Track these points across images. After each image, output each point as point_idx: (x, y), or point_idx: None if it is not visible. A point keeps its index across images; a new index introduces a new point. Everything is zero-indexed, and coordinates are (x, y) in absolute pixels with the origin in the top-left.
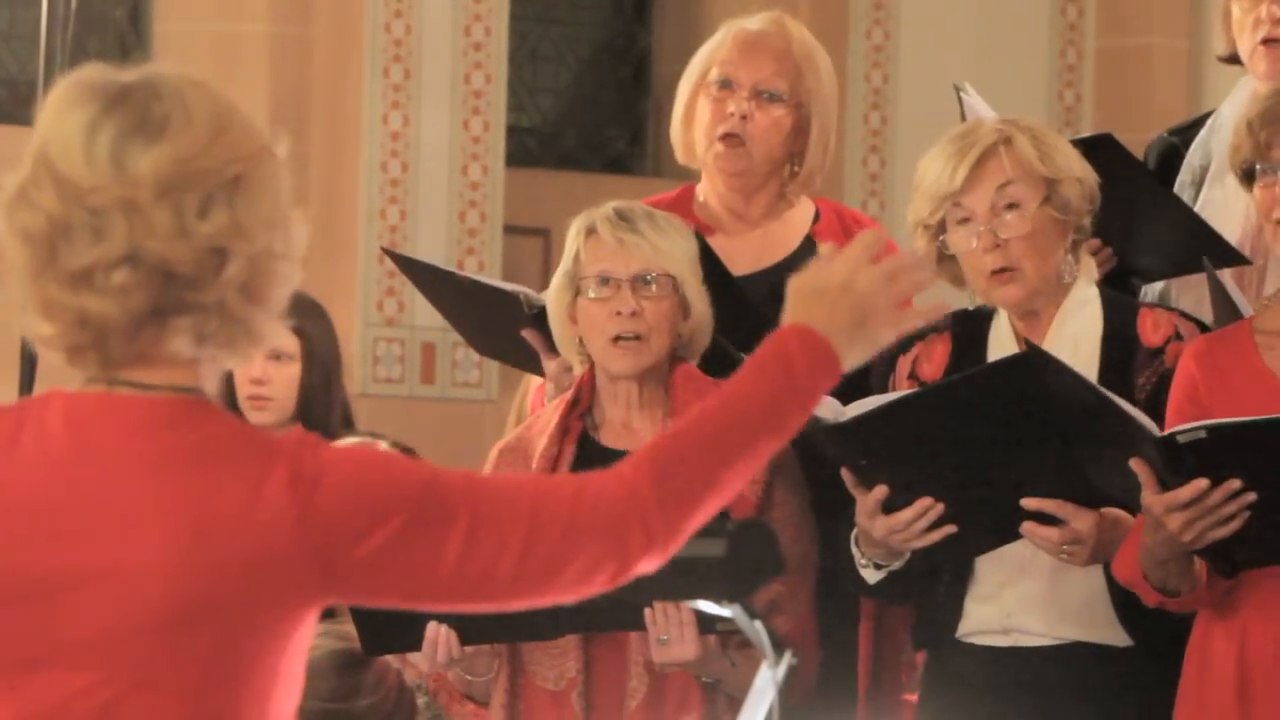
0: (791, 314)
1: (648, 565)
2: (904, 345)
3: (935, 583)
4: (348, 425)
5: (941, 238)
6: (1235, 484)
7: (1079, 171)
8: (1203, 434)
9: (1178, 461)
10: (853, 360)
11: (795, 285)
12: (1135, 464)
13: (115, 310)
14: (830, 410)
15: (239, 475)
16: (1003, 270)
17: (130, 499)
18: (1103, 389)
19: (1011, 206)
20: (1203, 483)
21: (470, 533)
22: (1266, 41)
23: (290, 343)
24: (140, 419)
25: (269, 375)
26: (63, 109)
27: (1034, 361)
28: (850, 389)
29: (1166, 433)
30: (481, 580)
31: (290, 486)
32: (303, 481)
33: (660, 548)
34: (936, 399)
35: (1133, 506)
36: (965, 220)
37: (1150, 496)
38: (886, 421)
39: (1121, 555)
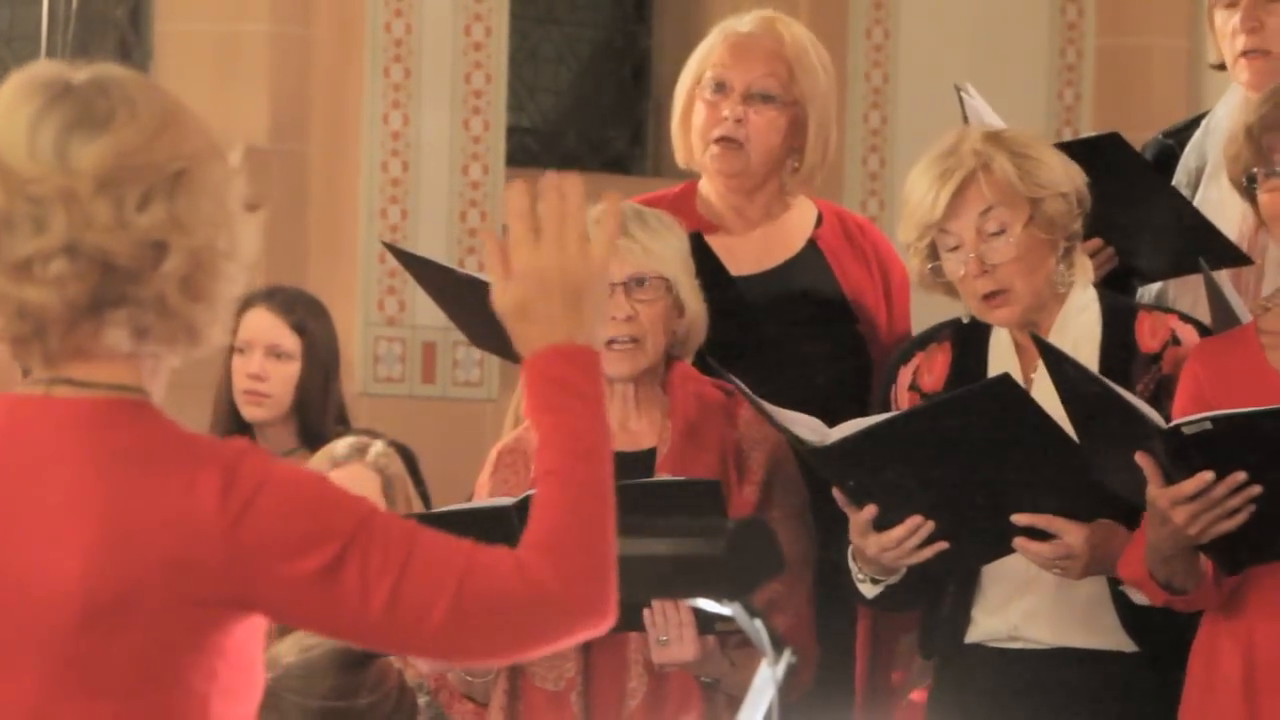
0: (521, 342)
1: (590, 632)
2: (905, 356)
3: (935, 594)
4: (342, 423)
5: (935, 263)
6: (1241, 476)
7: (1063, 184)
8: (1208, 425)
9: (1183, 454)
10: (593, 333)
11: (500, 310)
12: (1140, 458)
13: (53, 300)
14: (816, 433)
15: (168, 479)
16: (994, 294)
17: (56, 499)
18: (1109, 382)
19: (996, 233)
20: (1208, 475)
21: (400, 580)
22: (1245, 53)
23: (291, 341)
24: (74, 419)
25: (267, 372)
26: (11, 103)
27: (1010, 385)
28: (848, 404)
29: (1172, 424)
30: (406, 630)
31: (222, 495)
32: (237, 492)
33: (597, 613)
34: (918, 421)
35: (1141, 503)
36: (954, 248)
37: (1155, 490)
38: (871, 444)
39: (1128, 555)
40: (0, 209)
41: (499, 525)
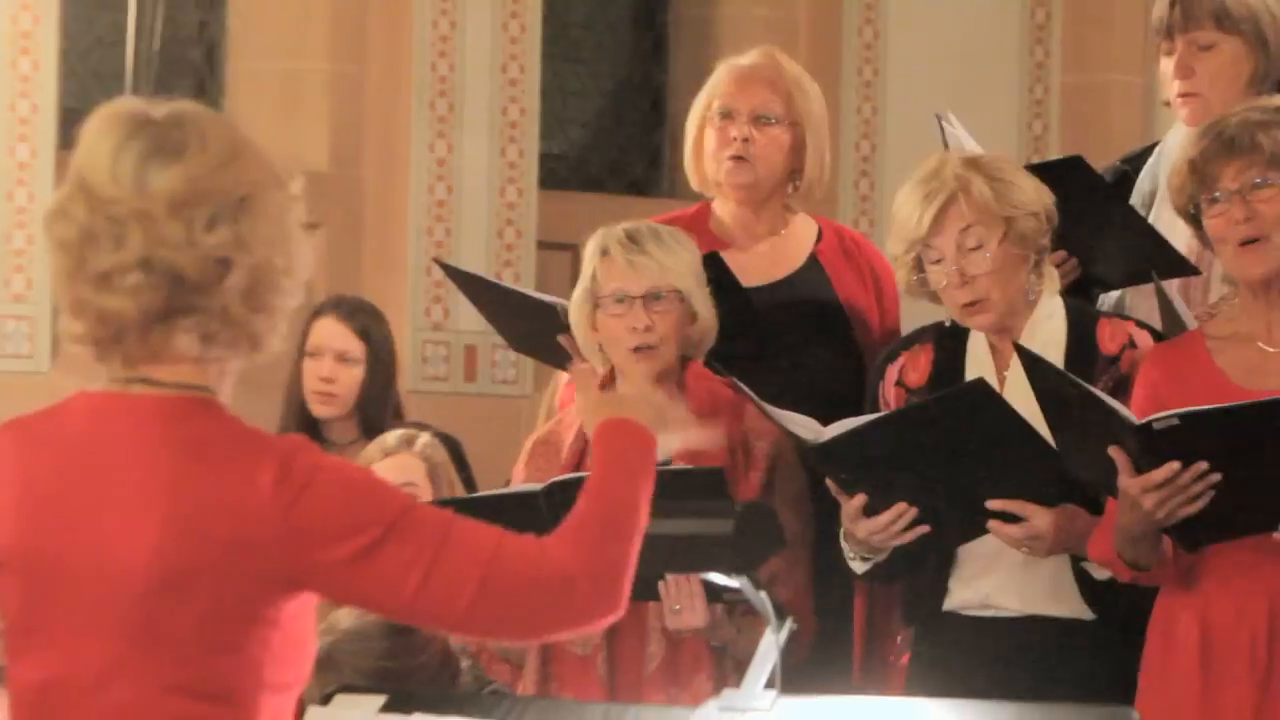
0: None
1: (601, 620)
2: (891, 355)
3: (918, 567)
4: (398, 417)
5: (921, 274)
6: (1203, 466)
7: (1034, 205)
8: (1176, 421)
9: (1152, 447)
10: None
11: (599, 401)
12: (1113, 451)
13: (130, 308)
14: (810, 431)
15: (230, 468)
16: (973, 303)
17: (130, 484)
18: (1087, 384)
19: (975, 248)
20: (1175, 465)
21: (431, 569)
22: (1181, 95)
23: (357, 347)
24: (148, 413)
25: (336, 375)
26: (97, 134)
27: (984, 388)
28: (844, 402)
29: (1143, 421)
30: (438, 610)
31: (277, 485)
32: (290, 483)
33: (610, 602)
34: (901, 421)
35: (1110, 490)
36: (937, 261)
37: (1126, 479)
38: (859, 441)
39: (1097, 538)
40: (84, 227)
41: (528, 508)
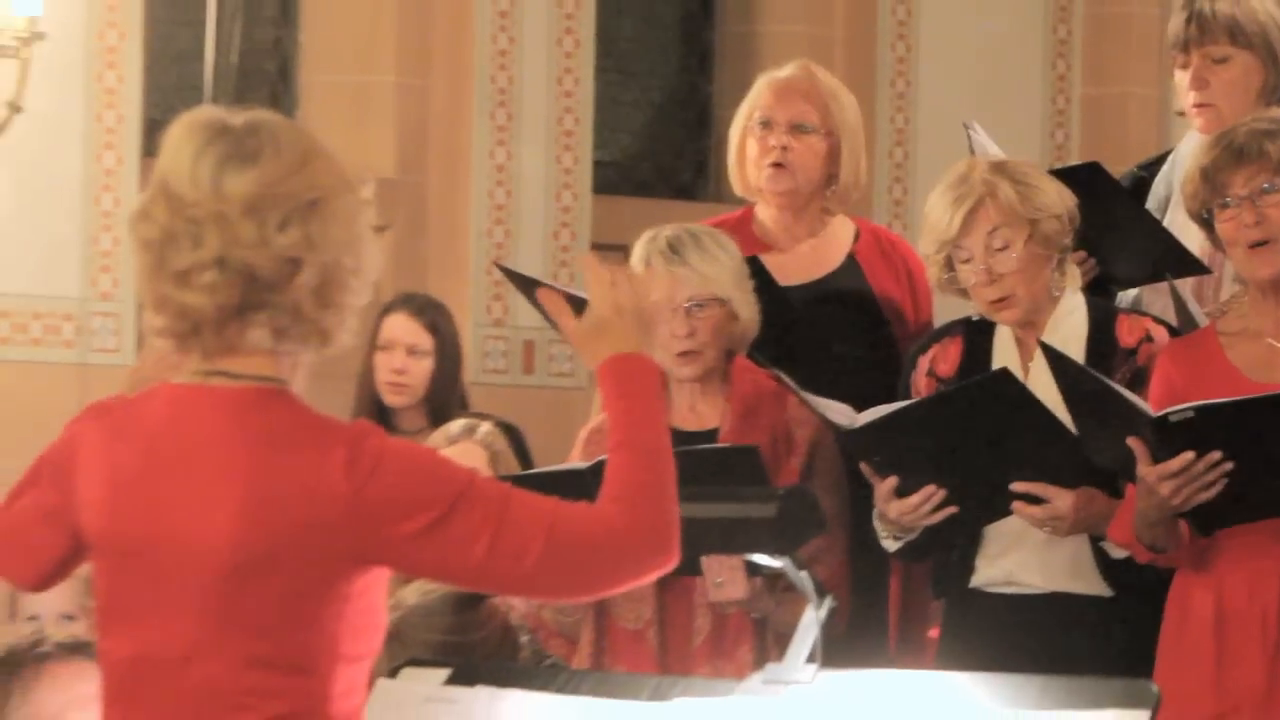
0: (594, 356)
1: (658, 570)
2: (923, 347)
3: (947, 549)
4: (463, 407)
5: (951, 273)
6: (1216, 456)
7: (1057, 207)
8: (1191, 414)
9: (1168, 438)
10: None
11: (579, 332)
12: (1132, 441)
13: (207, 304)
14: (846, 417)
15: (302, 454)
16: (1000, 300)
17: (209, 471)
18: (1107, 379)
19: (1002, 249)
20: (1189, 455)
21: (497, 534)
22: (1196, 105)
23: (426, 341)
24: (225, 404)
25: (407, 367)
26: (179, 140)
27: (1008, 377)
28: (879, 392)
29: (1160, 413)
30: (504, 574)
31: (347, 467)
32: (359, 467)
33: (661, 556)
34: (930, 408)
35: (1129, 477)
36: (966, 260)
37: (1144, 468)
38: (891, 426)
39: (1118, 521)
40: (165, 228)
41: (575, 485)
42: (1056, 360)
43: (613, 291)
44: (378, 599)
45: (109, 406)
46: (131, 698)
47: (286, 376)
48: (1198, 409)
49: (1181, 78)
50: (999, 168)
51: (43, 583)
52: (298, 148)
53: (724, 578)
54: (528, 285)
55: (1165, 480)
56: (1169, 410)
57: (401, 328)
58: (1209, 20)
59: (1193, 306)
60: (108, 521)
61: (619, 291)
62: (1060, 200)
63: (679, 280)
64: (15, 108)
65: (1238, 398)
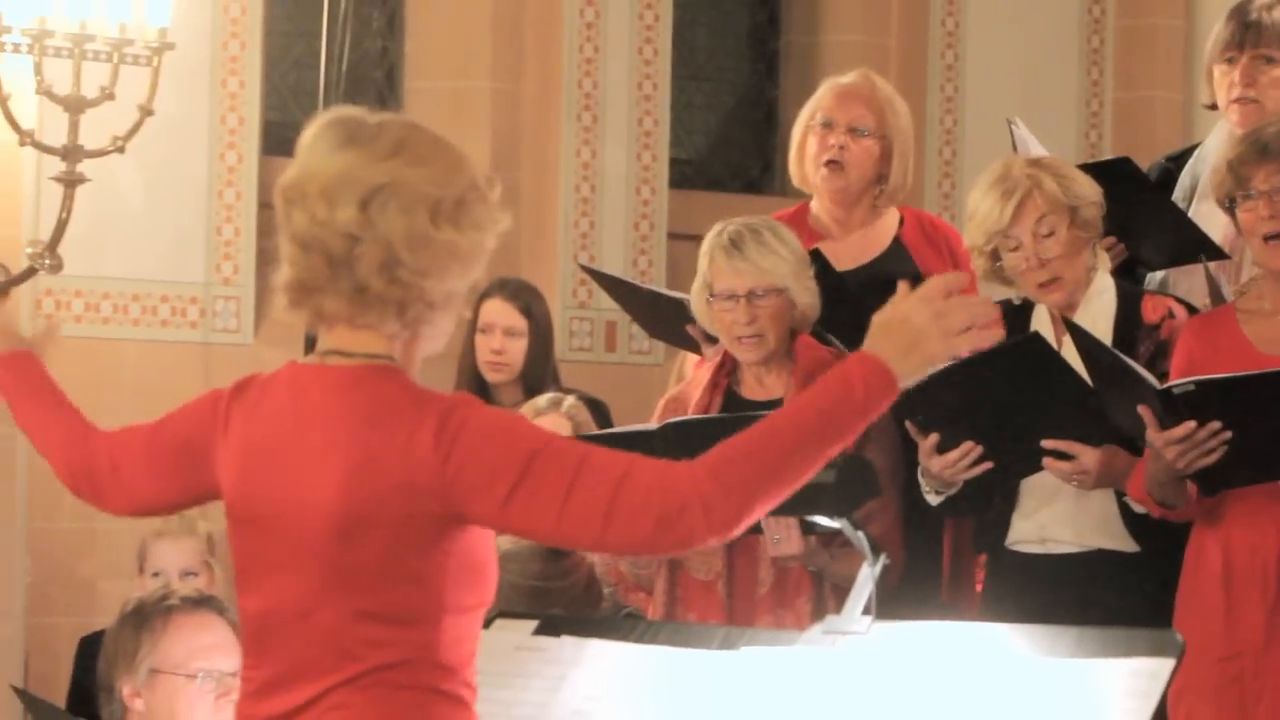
0: (865, 343)
1: (712, 540)
2: None
3: (986, 503)
4: (555, 383)
5: (998, 263)
6: (1216, 425)
7: (1093, 195)
8: (1192, 387)
9: (1173, 408)
10: (908, 377)
11: (875, 318)
12: (1141, 410)
13: (291, 276)
14: None
15: (400, 423)
16: (1049, 282)
17: (321, 442)
18: (1119, 353)
19: (1048, 235)
20: (1191, 424)
21: (571, 489)
22: (1238, 100)
23: (521, 322)
24: (337, 382)
25: (506, 347)
26: (318, 134)
27: (1039, 341)
28: None
29: (1164, 386)
30: (579, 531)
31: (436, 435)
32: (447, 433)
33: (720, 526)
34: (968, 370)
35: (1142, 440)
36: (1015, 249)
37: (1153, 434)
38: (931, 388)
39: (1133, 480)
40: (281, 202)
41: (642, 445)
42: (1080, 336)
43: (919, 305)
44: (483, 553)
45: (245, 385)
46: (263, 648)
47: (398, 355)
48: (1198, 382)
49: (1223, 76)
50: (1036, 163)
51: (133, 509)
52: (427, 149)
53: (781, 535)
54: (611, 285)
55: (1170, 445)
56: (1172, 384)
57: (499, 311)
58: (1265, 27)
59: (1225, 288)
60: (239, 488)
61: (922, 307)
62: (1092, 189)
63: (740, 274)
64: (147, 111)
65: (1234, 374)
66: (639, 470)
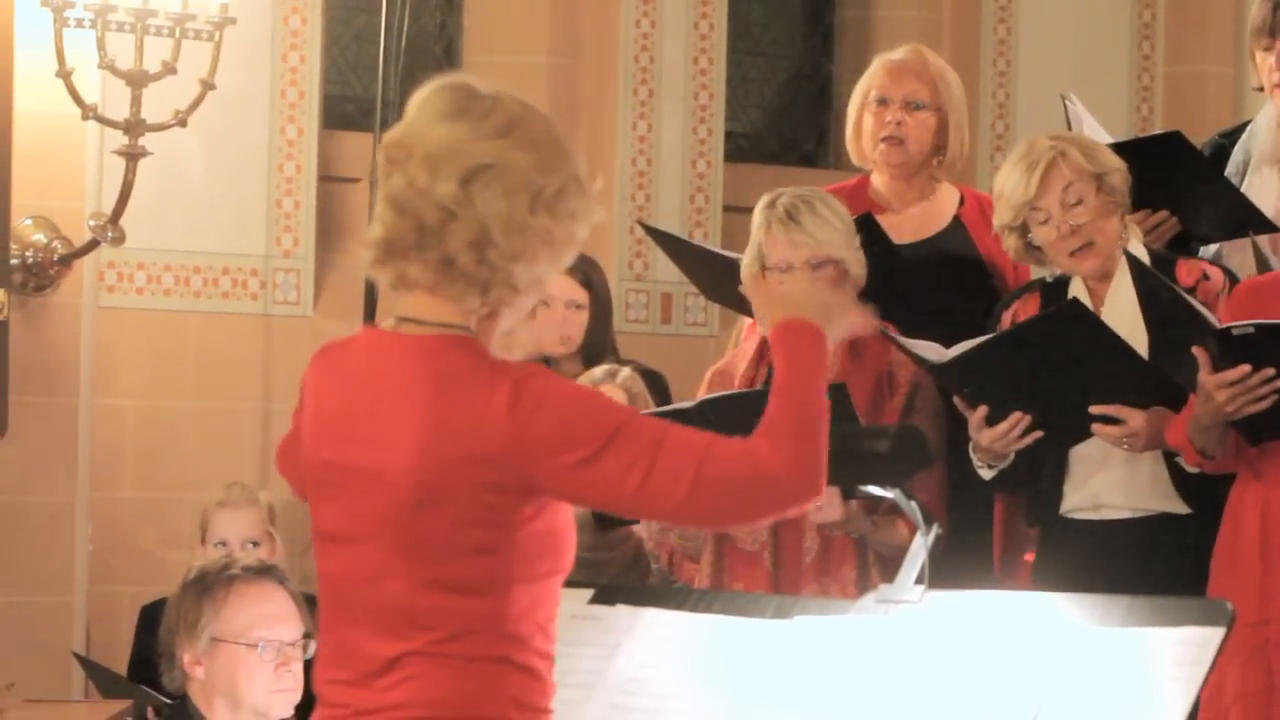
0: (771, 318)
1: (807, 505)
2: (1006, 303)
3: (1037, 477)
4: (614, 354)
5: (1029, 237)
6: (1271, 371)
7: (1116, 164)
8: (1251, 329)
9: (1229, 350)
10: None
11: (768, 296)
12: (1196, 350)
13: (380, 234)
14: (934, 353)
15: (473, 394)
16: (1081, 248)
17: (394, 410)
18: (1179, 289)
19: (1076, 203)
20: (1246, 367)
21: (650, 468)
22: (1279, 85)
23: (582, 295)
24: (411, 350)
25: (569, 320)
26: (429, 96)
27: (1079, 306)
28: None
29: (1224, 326)
30: (658, 503)
31: (511, 406)
32: (521, 405)
33: (810, 489)
34: (1012, 340)
35: (1192, 387)
36: (1044, 221)
37: (1205, 375)
38: (976, 360)
39: (1174, 426)
40: (383, 160)
41: (682, 423)
42: (1138, 269)
43: (804, 288)
44: (556, 522)
45: (326, 349)
46: (338, 613)
47: (474, 327)
48: (1259, 326)
49: (1262, 59)
50: (1059, 136)
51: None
52: (535, 133)
53: (823, 501)
54: (668, 243)
55: (1221, 388)
56: (1232, 324)
57: (560, 284)
58: None
59: (1273, 260)
60: (315, 454)
61: (816, 290)
62: (1116, 158)
63: (797, 245)
64: (209, 85)
65: None
66: (720, 444)
